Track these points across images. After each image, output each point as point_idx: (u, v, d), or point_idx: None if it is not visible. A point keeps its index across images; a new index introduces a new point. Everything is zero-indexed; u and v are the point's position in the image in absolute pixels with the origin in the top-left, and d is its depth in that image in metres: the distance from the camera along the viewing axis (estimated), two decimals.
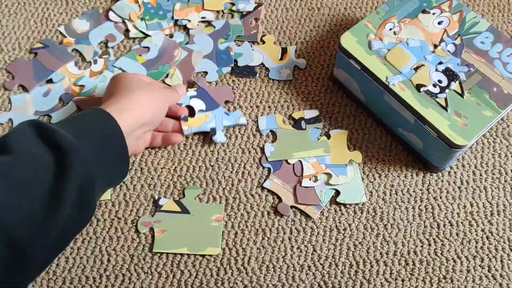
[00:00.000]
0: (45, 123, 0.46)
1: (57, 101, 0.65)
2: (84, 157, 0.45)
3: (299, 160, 0.61)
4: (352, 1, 0.74)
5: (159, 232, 0.57)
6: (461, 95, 0.57)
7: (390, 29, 0.61)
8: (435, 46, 0.60)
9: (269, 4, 0.74)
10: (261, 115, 0.65)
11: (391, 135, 0.63)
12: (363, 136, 0.63)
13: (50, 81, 0.66)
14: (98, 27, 0.71)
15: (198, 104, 0.64)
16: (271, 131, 0.64)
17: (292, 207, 0.59)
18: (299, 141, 0.62)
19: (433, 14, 0.62)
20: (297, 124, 0.64)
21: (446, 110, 0.56)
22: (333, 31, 0.71)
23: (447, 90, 0.57)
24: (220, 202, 0.59)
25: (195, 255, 0.56)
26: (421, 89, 0.57)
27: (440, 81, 0.57)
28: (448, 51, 0.60)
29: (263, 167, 0.61)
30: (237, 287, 0.55)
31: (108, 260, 0.56)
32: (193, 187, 0.60)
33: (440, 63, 0.59)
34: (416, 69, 0.58)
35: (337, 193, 0.59)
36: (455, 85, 0.57)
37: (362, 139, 0.63)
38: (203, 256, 0.56)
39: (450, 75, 0.58)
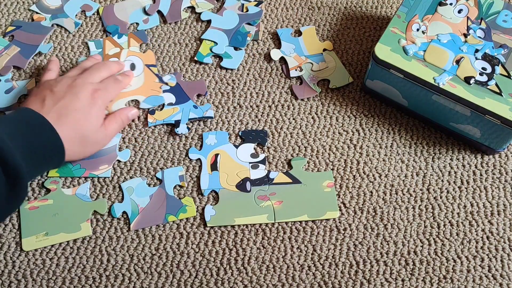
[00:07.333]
0: None
1: (17, 100, 0.64)
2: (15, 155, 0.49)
3: (283, 56, 0.68)
4: (352, 0, 0.74)
5: (277, 203, 0.58)
6: (508, 76, 0.57)
7: (418, 30, 0.61)
8: (465, 36, 0.60)
9: (269, 3, 0.74)
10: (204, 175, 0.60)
11: (440, 131, 0.63)
12: (364, 136, 0.63)
13: (39, 54, 0.68)
14: (71, 0, 0.73)
15: (168, 98, 0.65)
16: (213, 191, 0.60)
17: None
18: (242, 204, 0.59)
19: (450, 4, 0.63)
20: (241, 185, 0.60)
21: (501, 95, 0.56)
22: (333, 31, 0.71)
23: (494, 76, 0.57)
24: (325, 170, 0.61)
25: (313, 221, 0.58)
26: (471, 81, 0.57)
27: (484, 69, 0.58)
28: (478, 37, 0.60)
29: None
30: (237, 287, 0.55)
31: (108, 260, 0.56)
32: (299, 158, 0.61)
33: (476, 50, 0.59)
34: (457, 62, 0.58)
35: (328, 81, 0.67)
36: (499, 69, 0.58)
37: (363, 139, 0.63)
38: (316, 221, 0.58)
39: (491, 60, 0.58)
